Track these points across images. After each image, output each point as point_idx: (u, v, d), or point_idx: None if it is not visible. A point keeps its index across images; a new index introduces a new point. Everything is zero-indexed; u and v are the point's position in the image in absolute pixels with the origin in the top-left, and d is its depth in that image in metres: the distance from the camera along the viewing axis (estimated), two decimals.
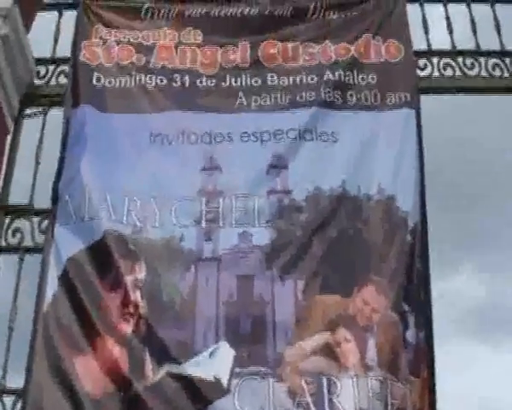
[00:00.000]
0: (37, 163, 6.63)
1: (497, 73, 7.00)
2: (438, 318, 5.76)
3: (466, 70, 7.02)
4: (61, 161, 6.39)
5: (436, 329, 5.69)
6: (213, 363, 5.44)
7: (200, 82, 6.83)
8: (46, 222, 6.24)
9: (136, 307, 5.67)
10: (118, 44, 6.99)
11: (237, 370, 5.42)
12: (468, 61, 7.06)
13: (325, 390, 5.31)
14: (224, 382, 5.35)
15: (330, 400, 5.28)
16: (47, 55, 7.14)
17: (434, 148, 6.72)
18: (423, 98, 6.76)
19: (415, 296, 5.77)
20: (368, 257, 5.90)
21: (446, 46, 7.22)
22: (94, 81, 6.76)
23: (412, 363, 5.51)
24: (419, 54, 7.08)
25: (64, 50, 7.05)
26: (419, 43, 7.15)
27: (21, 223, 6.35)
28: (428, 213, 6.14)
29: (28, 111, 6.88)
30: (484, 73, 7.00)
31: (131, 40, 7.02)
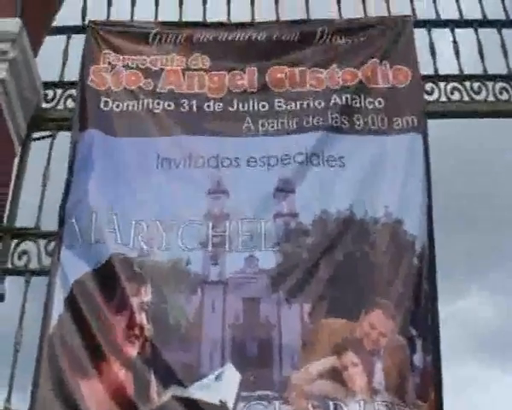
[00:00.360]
0: (44, 186, 6.63)
1: (504, 96, 7.00)
2: (444, 340, 5.73)
3: (473, 94, 7.02)
4: (68, 184, 6.41)
5: (443, 352, 5.66)
6: (219, 386, 5.40)
7: (208, 106, 6.85)
8: (52, 245, 6.23)
9: (142, 329, 5.64)
10: (126, 70, 7.01)
11: (243, 394, 5.39)
12: (476, 86, 7.06)
13: None
14: (230, 406, 5.31)
15: None
16: (55, 78, 7.15)
17: (439, 169, 6.70)
18: (430, 122, 6.75)
19: (422, 320, 5.74)
20: (375, 281, 5.87)
21: (453, 70, 7.21)
22: (102, 105, 6.79)
23: (420, 387, 5.47)
24: (426, 78, 7.08)
25: (72, 74, 7.08)
26: (426, 68, 7.15)
27: (28, 246, 6.34)
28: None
29: (36, 134, 6.90)
30: (491, 97, 7.00)
31: (139, 65, 7.04)
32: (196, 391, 5.36)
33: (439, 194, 6.50)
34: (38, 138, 6.88)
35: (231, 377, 5.45)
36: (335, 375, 5.46)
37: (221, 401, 5.31)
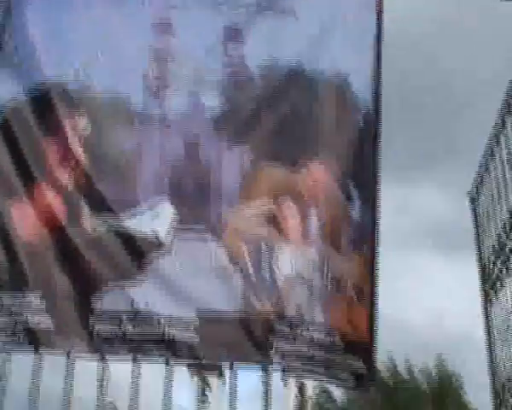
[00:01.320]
0: None
1: None
2: (398, 230, 5.70)
3: None
4: (7, 6, 6.08)
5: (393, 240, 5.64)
6: (152, 217, 5.35)
7: None
8: None
9: (76, 158, 5.50)
10: None
11: (178, 228, 5.35)
12: None
13: (265, 256, 5.28)
14: (162, 236, 5.27)
15: (269, 265, 5.26)
16: None
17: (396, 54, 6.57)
18: None
19: (363, 178, 5.72)
20: (318, 134, 5.81)
21: None
22: None
23: (355, 240, 5.51)
24: None
25: None
26: None
27: None
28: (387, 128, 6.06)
29: None
30: None
31: None
32: (129, 221, 5.31)
33: (393, 86, 6.37)
34: None
35: (165, 209, 5.39)
36: (271, 219, 5.44)
37: (153, 231, 5.26)
